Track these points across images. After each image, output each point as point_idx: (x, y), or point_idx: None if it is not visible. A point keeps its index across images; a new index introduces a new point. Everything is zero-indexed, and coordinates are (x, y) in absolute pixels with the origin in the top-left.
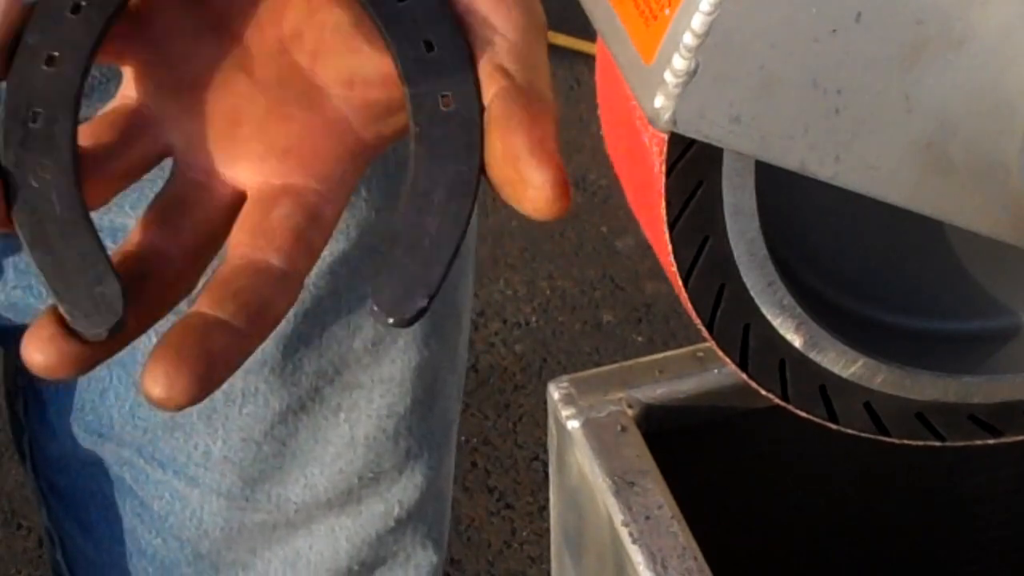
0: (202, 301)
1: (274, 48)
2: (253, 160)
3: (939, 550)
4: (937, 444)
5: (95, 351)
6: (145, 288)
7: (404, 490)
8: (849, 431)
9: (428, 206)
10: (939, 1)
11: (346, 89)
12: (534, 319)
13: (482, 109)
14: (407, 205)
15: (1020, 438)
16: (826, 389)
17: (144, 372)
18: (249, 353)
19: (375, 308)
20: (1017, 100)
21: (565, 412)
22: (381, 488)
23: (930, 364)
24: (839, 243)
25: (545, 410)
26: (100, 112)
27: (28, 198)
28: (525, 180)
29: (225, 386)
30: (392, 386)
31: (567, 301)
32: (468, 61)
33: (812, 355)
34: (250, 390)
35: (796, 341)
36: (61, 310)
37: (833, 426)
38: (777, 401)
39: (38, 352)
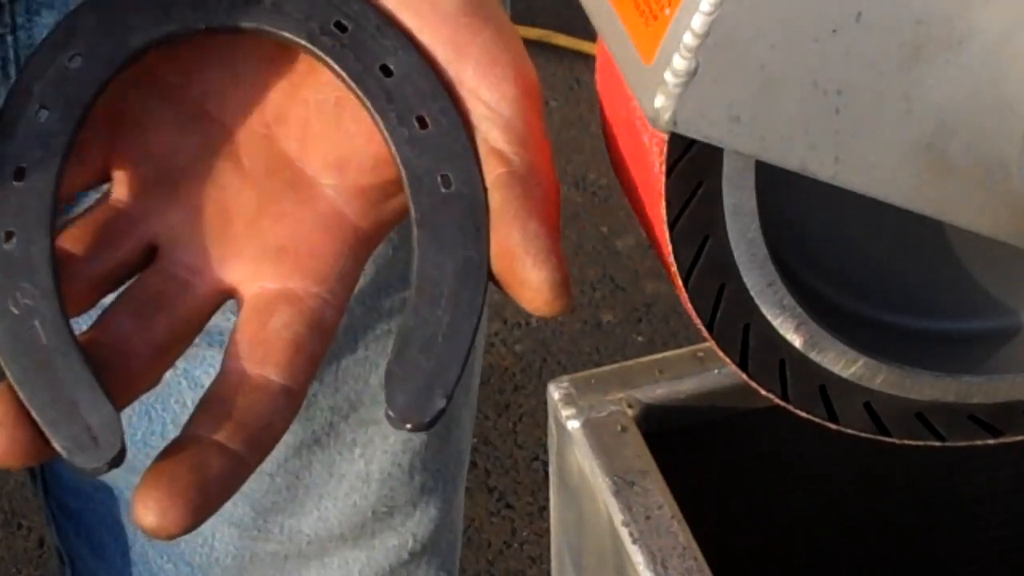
0: (198, 421)
1: (260, 134)
2: (246, 263)
3: (939, 550)
4: (937, 444)
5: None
6: (103, 380)
7: (418, 524)
8: (849, 431)
9: (437, 297)
10: (939, 1)
11: (337, 176)
12: (534, 319)
13: (486, 188)
14: (416, 297)
15: (1020, 438)
16: (826, 389)
17: (136, 498)
18: (246, 476)
19: (391, 414)
20: (1017, 100)
21: (565, 412)
22: (395, 522)
23: (930, 364)
24: (839, 243)
25: (545, 410)
26: (80, 214)
27: (10, 326)
28: (522, 280)
29: None
30: None
31: None
32: (466, 136)
33: (812, 355)
34: None
35: (796, 341)
36: (56, 446)
37: (833, 426)
38: (777, 401)
39: None
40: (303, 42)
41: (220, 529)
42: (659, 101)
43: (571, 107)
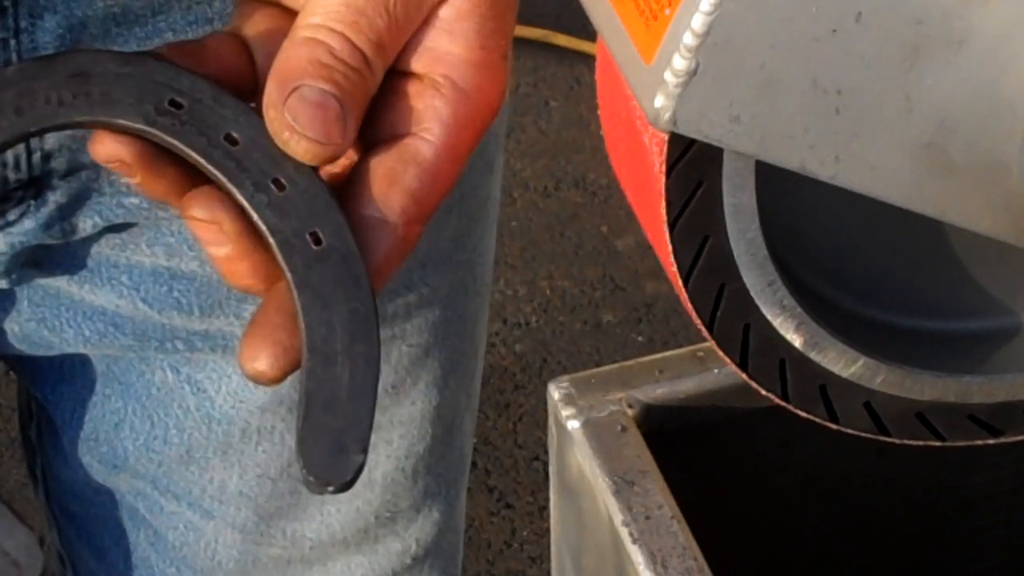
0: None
1: None
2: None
3: (939, 550)
4: (937, 444)
5: None
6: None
7: (421, 528)
8: (849, 431)
9: (332, 356)
10: (939, 1)
11: None
12: (534, 319)
13: (356, 238)
14: (310, 360)
15: (1020, 438)
16: (826, 389)
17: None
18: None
19: (310, 479)
20: (1017, 100)
21: (565, 412)
22: (398, 527)
23: (930, 364)
24: (839, 243)
25: (545, 410)
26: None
27: None
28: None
29: (241, 423)
30: (412, 427)
31: (567, 301)
32: (326, 189)
33: (812, 355)
34: (266, 428)
35: (796, 341)
36: None
37: (833, 426)
38: (777, 401)
39: None
40: (141, 126)
41: (223, 533)
42: (659, 101)
43: (571, 107)
